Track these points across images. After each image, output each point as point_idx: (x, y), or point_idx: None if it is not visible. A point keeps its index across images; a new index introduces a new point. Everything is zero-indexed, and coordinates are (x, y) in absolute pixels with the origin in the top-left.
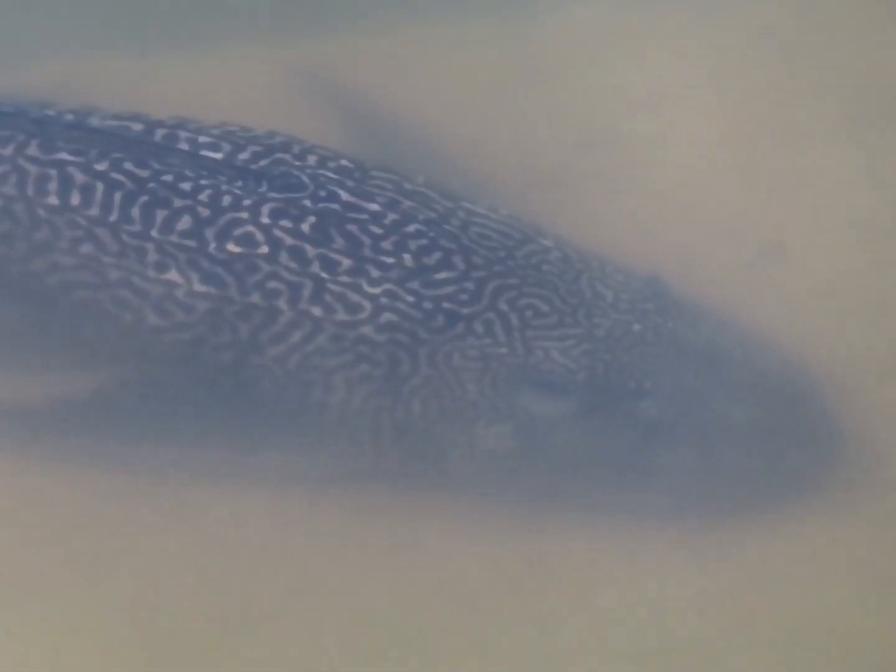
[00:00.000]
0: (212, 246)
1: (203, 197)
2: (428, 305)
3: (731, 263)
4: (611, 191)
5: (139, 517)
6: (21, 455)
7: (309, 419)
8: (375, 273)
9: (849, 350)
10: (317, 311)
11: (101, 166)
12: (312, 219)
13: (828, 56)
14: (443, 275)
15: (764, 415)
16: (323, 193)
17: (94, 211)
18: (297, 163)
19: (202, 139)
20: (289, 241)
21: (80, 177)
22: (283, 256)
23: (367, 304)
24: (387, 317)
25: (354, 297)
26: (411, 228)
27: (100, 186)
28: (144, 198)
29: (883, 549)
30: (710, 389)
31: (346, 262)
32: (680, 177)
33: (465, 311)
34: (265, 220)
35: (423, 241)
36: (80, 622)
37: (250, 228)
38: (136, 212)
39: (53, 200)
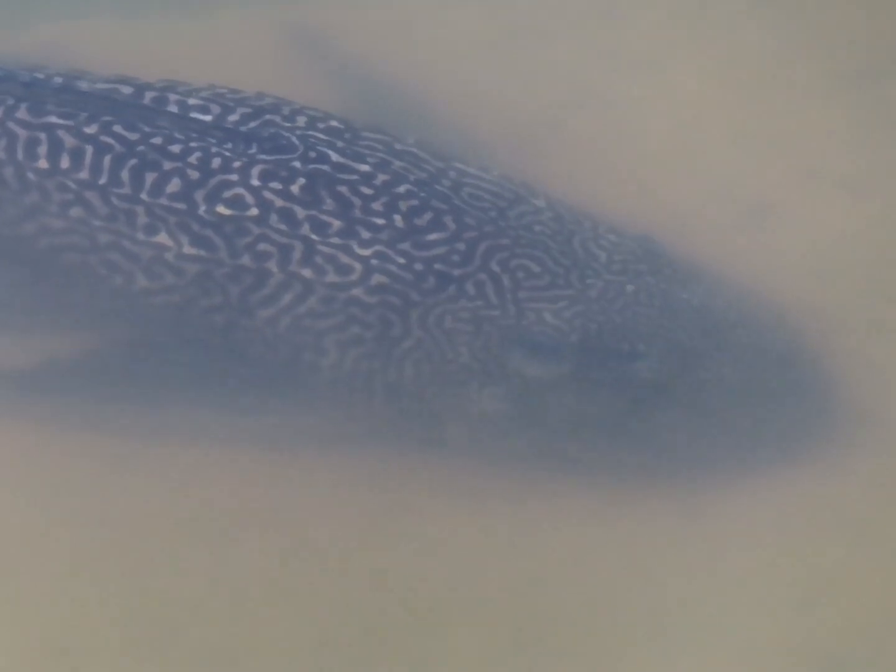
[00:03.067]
0: (201, 208)
1: (192, 159)
2: (419, 267)
3: (722, 223)
4: (603, 151)
5: (128, 479)
6: (10, 417)
7: (300, 382)
8: (366, 234)
9: (840, 309)
10: (307, 272)
11: (90, 129)
12: (302, 180)
13: (819, 16)
14: (434, 236)
15: (757, 375)
16: (313, 155)
17: (84, 174)
18: (287, 124)
19: (191, 101)
20: (279, 202)
21: (69, 140)
22: (273, 218)
23: (357, 266)
24: (378, 278)
25: (345, 259)
26: (402, 189)
27: (89, 150)
28: (134, 161)
29: (875, 509)
30: (703, 350)
31: (337, 224)
32: (672, 137)
33: (456, 272)
34: (255, 182)
35: (414, 202)
36: (67, 583)
37: (240, 190)
38: (125, 175)
39: (43, 164)
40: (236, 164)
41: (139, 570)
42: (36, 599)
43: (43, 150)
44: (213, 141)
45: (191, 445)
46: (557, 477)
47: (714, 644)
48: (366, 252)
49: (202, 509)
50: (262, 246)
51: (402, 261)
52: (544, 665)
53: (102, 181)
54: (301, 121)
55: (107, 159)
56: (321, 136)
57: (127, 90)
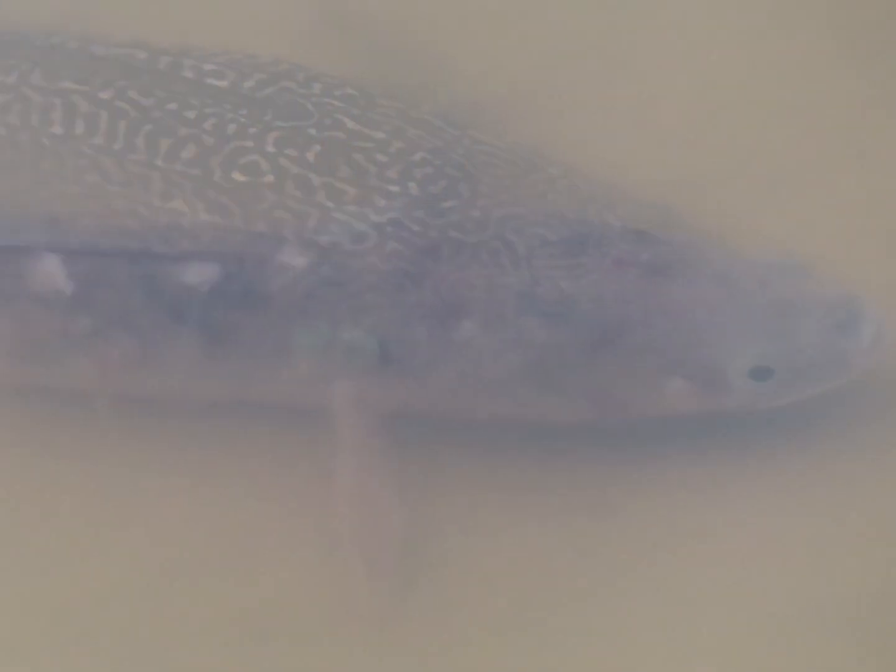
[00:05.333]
0: (217, 175)
1: (207, 125)
2: (434, 234)
3: (739, 193)
4: (622, 119)
5: (138, 447)
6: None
7: (314, 349)
8: (381, 202)
9: (860, 275)
10: (323, 240)
11: (105, 94)
12: (318, 147)
13: None
14: (449, 203)
15: (776, 346)
16: (328, 121)
17: (99, 139)
18: (302, 90)
19: (207, 67)
20: (294, 169)
21: (84, 105)
22: (289, 185)
23: (372, 234)
24: (392, 246)
25: (360, 227)
26: (417, 157)
27: (104, 115)
28: (149, 126)
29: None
30: (720, 319)
31: (352, 191)
32: (692, 105)
33: (471, 239)
34: (270, 148)
35: (429, 170)
36: (77, 550)
37: (255, 157)
38: (140, 140)
39: (58, 129)
40: (252, 130)
41: (145, 534)
42: (33, 563)
43: (58, 115)
44: (229, 107)
45: (202, 411)
46: (571, 443)
47: (739, 608)
48: (381, 219)
49: (210, 475)
50: (277, 213)
51: (416, 228)
52: (543, 641)
53: (118, 146)
54: (316, 87)
55: (122, 125)
56: (337, 102)
57: (142, 55)
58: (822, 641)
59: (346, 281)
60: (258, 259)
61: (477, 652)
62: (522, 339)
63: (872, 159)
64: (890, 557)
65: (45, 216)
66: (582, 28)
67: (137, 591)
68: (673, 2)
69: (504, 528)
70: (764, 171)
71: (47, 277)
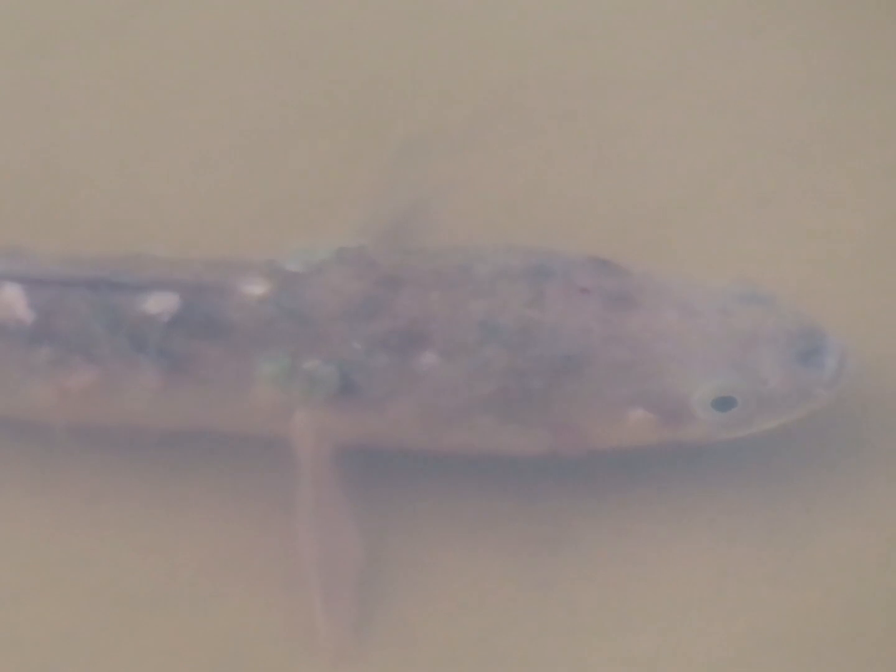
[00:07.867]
0: None
1: None
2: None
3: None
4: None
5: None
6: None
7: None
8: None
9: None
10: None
11: None
12: None
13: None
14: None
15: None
16: None
17: None
18: None
19: None
20: None
21: None
22: None
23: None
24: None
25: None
26: None
27: None
28: None
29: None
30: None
31: None
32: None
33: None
34: None
35: None
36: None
37: None
38: None
39: None
40: None
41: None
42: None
43: None
44: None
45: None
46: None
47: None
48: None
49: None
50: None
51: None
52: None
53: None
54: None
55: None
56: None
57: None
58: None
59: (307, 310)
60: (218, 288)
61: None
62: (484, 369)
63: (834, 190)
64: (852, 590)
65: (7, 246)
66: (544, 57)
67: (95, 625)
68: (636, 33)
69: (462, 561)
70: (726, 201)
71: (8, 306)
